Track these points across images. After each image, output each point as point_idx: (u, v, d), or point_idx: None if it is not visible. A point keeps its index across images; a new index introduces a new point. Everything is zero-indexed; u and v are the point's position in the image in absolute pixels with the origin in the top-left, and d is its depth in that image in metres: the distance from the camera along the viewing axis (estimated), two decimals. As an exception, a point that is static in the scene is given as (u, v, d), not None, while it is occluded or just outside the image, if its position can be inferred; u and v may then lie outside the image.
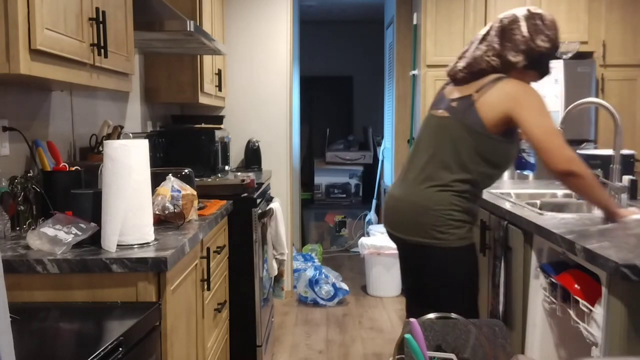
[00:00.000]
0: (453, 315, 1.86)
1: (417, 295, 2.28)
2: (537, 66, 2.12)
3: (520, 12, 2.13)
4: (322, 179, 6.92)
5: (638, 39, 4.47)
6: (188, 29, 2.60)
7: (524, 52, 2.08)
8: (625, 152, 2.86)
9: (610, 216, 2.09)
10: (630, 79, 4.50)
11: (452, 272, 2.13)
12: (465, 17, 4.48)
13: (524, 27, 2.08)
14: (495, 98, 2.03)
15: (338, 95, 8.16)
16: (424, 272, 2.17)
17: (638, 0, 4.45)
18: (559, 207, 2.69)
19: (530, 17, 2.10)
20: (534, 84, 2.14)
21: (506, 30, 2.11)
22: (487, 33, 2.17)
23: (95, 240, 1.72)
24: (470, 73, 2.12)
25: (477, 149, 2.06)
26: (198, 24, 3.36)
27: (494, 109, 2.03)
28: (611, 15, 4.45)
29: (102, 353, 1.21)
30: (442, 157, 2.10)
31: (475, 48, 2.15)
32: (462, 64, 2.15)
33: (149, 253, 1.66)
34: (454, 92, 2.16)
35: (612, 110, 2.56)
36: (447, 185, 2.08)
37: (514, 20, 2.11)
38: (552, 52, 2.12)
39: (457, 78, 2.17)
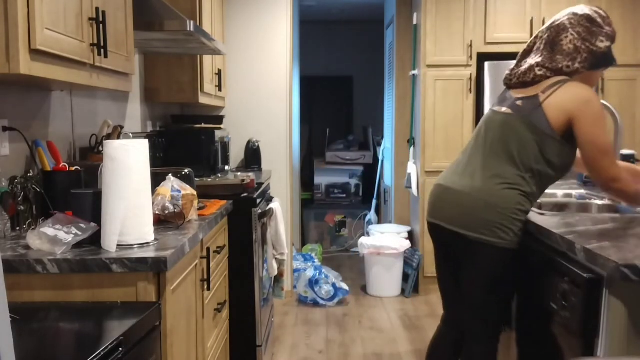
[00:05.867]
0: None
1: (455, 290, 2.29)
2: (602, 64, 2.13)
3: (568, 17, 2.13)
4: (322, 179, 6.91)
5: (638, 39, 4.47)
6: (188, 29, 2.60)
7: (584, 60, 2.10)
8: (625, 152, 2.86)
9: None
10: (630, 79, 4.50)
11: (501, 273, 2.13)
12: (465, 17, 4.48)
13: (574, 35, 2.10)
14: (562, 99, 2.05)
15: (338, 95, 8.16)
16: (472, 268, 2.15)
17: (638, 0, 4.46)
18: (559, 207, 2.69)
19: (577, 22, 2.11)
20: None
21: (555, 42, 2.13)
22: (534, 43, 2.20)
23: (95, 240, 1.72)
24: (522, 83, 2.17)
25: (542, 150, 2.08)
26: (198, 24, 3.36)
27: (561, 109, 2.04)
28: (611, 15, 4.42)
29: (102, 353, 1.21)
30: (507, 154, 2.11)
31: (529, 58, 2.19)
32: (516, 74, 2.19)
33: (149, 253, 1.66)
34: (519, 93, 2.17)
35: (612, 110, 2.56)
36: (515, 184, 2.09)
37: (563, 29, 2.12)
38: (612, 45, 2.13)
39: (511, 85, 2.22)
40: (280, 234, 3.42)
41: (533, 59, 2.15)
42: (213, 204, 2.67)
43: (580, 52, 2.09)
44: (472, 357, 2.21)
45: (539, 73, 2.11)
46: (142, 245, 1.74)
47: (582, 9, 2.14)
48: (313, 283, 4.52)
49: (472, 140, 2.27)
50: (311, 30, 7.28)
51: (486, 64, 4.46)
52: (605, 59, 2.12)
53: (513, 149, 2.10)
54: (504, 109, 2.17)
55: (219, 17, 4.13)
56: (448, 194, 2.20)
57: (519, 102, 2.13)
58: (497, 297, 2.19)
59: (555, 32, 2.13)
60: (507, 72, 2.25)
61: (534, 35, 2.23)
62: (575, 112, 2.02)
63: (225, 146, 3.89)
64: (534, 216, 2.20)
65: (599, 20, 2.12)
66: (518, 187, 2.09)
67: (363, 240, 4.78)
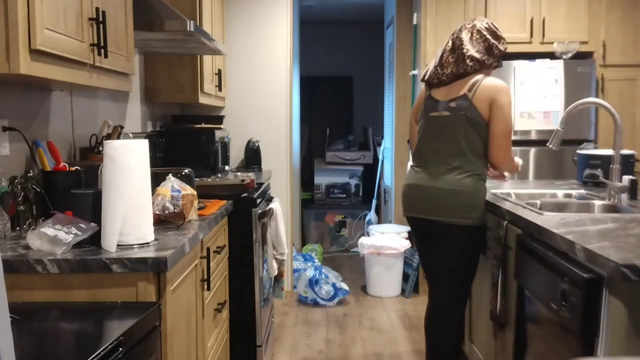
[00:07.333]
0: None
1: (434, 269, 2.73)
2: (498, 64, 2.67)
3: (479, 24, 2.61)
4: (322, 179, 6.91)
5: (638, 39, 4.47)
6: (188, 29, 2.60)
7: (495, 56, 2.61)
8: (625, 152, 2.87)
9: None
10: (630, 79, 4.50)
11: (472, 247, 2.62)
12: (465, 17, 4.47)
13: (489, 37, 2.59)
14: (485, 91, 2.53)
15: (338, 95, 8.17)
16: (447, 246, 2.60)
17: (638, 0, 4.45)
18: (559, 207, 2.69)
19: (489, 28, 2.61)
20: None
21: (474, 39, 2.59)
22: (454, 44, 2.62)
23: (95, 240, 1.72)
24: (454, 76, 2.59)
25: (481, 136, 2.55)
26: (198, 24, 3.36)
27: (485, 98, 2.52)
28: (611, 15, 4.45)
29: (102, 353, 1.21)
30: (458, 148, 2.55)
31: (450, 57, 2.61)
32: (447, 71, 2.60)
33: (149, 253, 1.66)
34: (444, 95, 2.61)
35: (612, 110, 2.56)
36: (470, 170, 2.55)
37: (478, 31, 2.60)
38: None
39: (442, 82, 2.63)
40: (280, 234, 3.42)
41: (457, 58, 2.57)
42: (213, 204, 2.67)
43: (493, 50, 2.59)
44: (443, 324, 2.70)
45: (470, 64, 2.55)
46: (142, 245, 1.74)
47: (484, 20, 2.65)
48: (313, 283, 4.52)
49: (422, 144, 2.68)
50: (311, 30, 7.28)
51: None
52: (500, 60, 2.65)
53: (462, 143, 2.54)
54: (440, 113, 2.60)
55: (219, 17, 4.13)
56: (420, 191, 2.65)
57: (452, 104, 2.57)
58: (467, 271, 2.65)
59: (470, 32, 2.60)
60: (432, 70, 2.64)
61: (451, 36, 2.65)
62: (494, 96, 2.51)
63: (225, 146, 3.89)
64: (534, 216, 2.20)
65: (498, 29, 2.64)
66: (473, 172, 2.55)
67: (363, 240, 4.78)
